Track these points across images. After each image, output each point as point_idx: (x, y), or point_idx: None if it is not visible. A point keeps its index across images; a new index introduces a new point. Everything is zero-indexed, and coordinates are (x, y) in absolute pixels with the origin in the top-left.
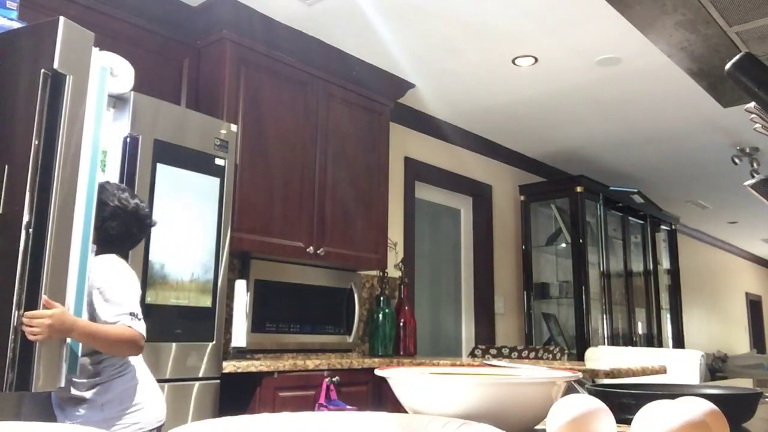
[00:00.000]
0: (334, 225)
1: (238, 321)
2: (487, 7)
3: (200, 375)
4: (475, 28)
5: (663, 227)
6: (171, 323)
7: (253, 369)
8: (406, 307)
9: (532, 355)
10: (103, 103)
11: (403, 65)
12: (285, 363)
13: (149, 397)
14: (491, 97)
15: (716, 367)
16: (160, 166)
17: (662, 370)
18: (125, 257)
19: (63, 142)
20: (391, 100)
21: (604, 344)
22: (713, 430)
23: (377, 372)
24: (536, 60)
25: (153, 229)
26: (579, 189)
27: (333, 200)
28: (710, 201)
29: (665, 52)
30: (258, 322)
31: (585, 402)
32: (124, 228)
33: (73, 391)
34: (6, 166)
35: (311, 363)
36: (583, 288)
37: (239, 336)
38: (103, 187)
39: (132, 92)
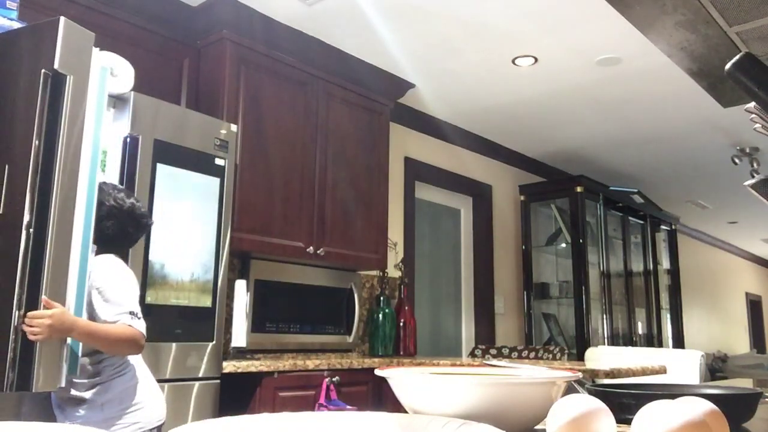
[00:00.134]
0: (334, 225)
1: (238, 321)
2: (487, 7)
3: (200, 375)
4: (475, 28)
5: (663, 227)
6: (171, 323)
7: (253, 369)
8: (406, 307)
9: (532, 355)
10: (103, 103)
11: (403, 65)
12: (285, 363)
13: (149, 397)
14: (491, 97)
15: (716, 367)
16: (160, 166)
17: (662, 370)
18: (125, 257)
19: (63, 142)
20: (391, 100)
21: (604, 344)
22: (713, 430)
23: (377, 372)
24: (536, 60)
25: (153, 229)
26: (579, 189)
27: (333, 200)
28: (710, 201)
29: (665, 52)
30: (258, 322)
31: (585, 402)
32: (120, 227)
33: (73, 392)
34: (6, 166)
35: (311, 363)
36: (583, 288)
37: (239, 336)
38: (99, 188)
39: (132, 92)
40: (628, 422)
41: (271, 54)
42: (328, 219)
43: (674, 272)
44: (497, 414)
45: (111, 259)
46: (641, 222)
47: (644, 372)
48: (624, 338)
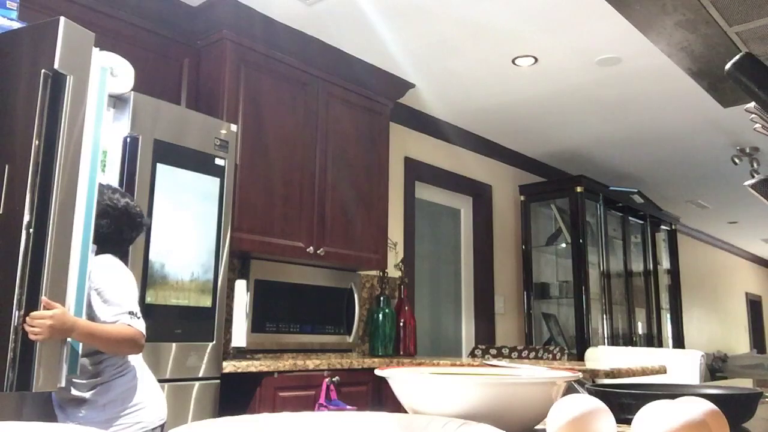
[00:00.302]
0: (334, 225)
1: (238, 321)
2: (487, 7)
3: (200, 375)
4: (475, 28)
5: (663, 227)
6: (171, 323)
7: (253, 369)
8: (406, 307)
9: (532, 355)
10: (104, 103)
11: (403, 65)
12: (285, 363)
13: (150, 396)
14: (491, 97)
15: (716, 367)
16: (160, 166)
17: (662, 370)
18: (125, 257)
19: (63, 142)
20: (391, 100)
21: (604, 344)
22: (713, 430)
23: (377, 372)
24: (536, 60)
25: (153, 229)
26: (579, 189)
27: (333, 200)
28: (710, 201)
29: (665, 52)
30: (258, 322)
31: (585, 402)
32: (114, 226)
33: (74, 392)
34: (6, 166)
35: (311, 363)
36: (583, 288)
37: (239, 336)
38: None
39: (132, 92)
40: (628, 422)
41: (271, 54)
42: (328, 219)
43: (674, 272)
44: (497, 414)
45: (109, 260)
46: (641, 222)
47: (644, 372)
48: (624, 338)
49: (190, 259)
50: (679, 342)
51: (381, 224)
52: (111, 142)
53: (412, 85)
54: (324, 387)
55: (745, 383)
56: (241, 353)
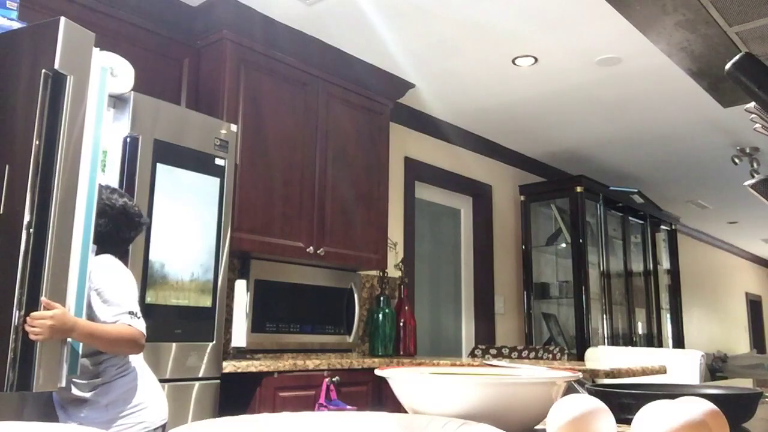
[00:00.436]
0: (334, 225)
1: (238, 321)
2: (487, 7)
3: (200, 375)
4: (475, 28)
5: (663, 227)
6: (171, 323)
7: (253, 369)
8: (406, 307)
9: (532, 355)
10: (104, 103)
11: (403, 65)
12: (285, 363)
13: (152, 396)
14: (491, 97)
15: (716, 367)
16: (160, 166)
17: (662, 370)
18: (125, 257)
19: (63, 142)
20: (391, 100)
21: (604, 344)
22: (713, 430)
23: (377, 372)
24: (536, 60)
25: (153, 229)
26: (579, 189)
27: (333, 200)
28: (710, 201)
29: (665, 52)
30: (258, 322)
31: (585, 402)
32: (112, 225)
33: (75, 392)
34: (6, 166)
35: (311, 363)
36: (583, 288)
37: (239, 336)
38: None
39: (132, 92)
40: (628, 422)
41: (271, 54)
42: (328, 219)
43: (674, 272)
44: (497, 414)
45: (108, 260)
46: (641, 222)
47: (644, 372)
48: (624, 338)
49: (190, 259)
50: (679, 342)
51: (381, 224)
52: (111, 142)
53: (412, 85)
54: (324, 387)
55: (745, 383)
56: (241, 353)
